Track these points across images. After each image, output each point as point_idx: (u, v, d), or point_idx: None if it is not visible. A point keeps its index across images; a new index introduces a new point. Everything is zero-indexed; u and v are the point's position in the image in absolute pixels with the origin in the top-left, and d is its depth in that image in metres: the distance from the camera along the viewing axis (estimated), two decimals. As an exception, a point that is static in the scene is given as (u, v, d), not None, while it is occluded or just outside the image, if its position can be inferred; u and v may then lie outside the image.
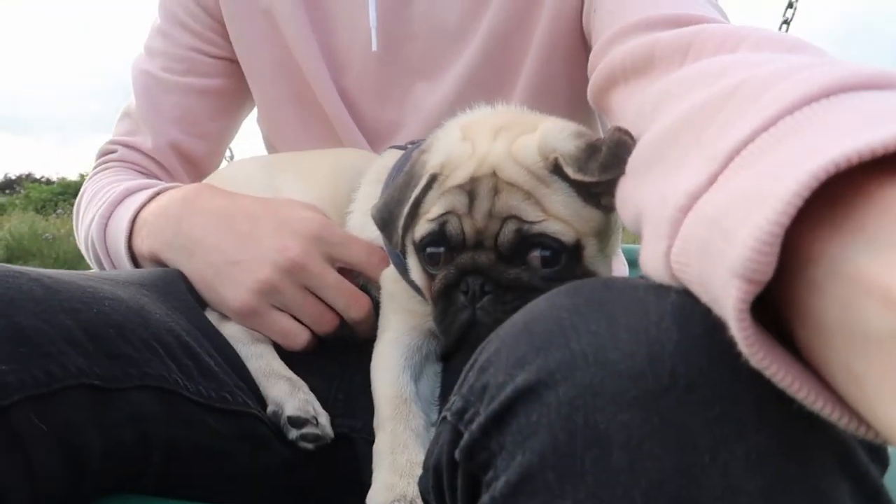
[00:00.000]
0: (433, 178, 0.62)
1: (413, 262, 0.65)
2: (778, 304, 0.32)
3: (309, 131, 0.93)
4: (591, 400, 0.34)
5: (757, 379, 0.31)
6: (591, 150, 0.57)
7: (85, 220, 0.89)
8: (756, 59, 0.42)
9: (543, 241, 0.57)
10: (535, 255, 0.58)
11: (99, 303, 0.55)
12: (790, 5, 1.61)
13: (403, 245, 0.65)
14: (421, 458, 0.57)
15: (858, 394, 0.28)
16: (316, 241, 0.70)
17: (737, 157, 0.32)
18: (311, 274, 0.69)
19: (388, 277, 0.71)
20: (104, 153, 0.99)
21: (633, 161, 0.49)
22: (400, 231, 0.62)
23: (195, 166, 1.00)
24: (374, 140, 0.91)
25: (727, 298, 0.29)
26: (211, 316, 0.72)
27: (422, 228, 0.61)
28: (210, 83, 0.98)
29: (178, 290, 0.70)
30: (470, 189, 0.59)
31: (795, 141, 0.30)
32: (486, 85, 0.86)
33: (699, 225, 0.33)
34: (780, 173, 0.28)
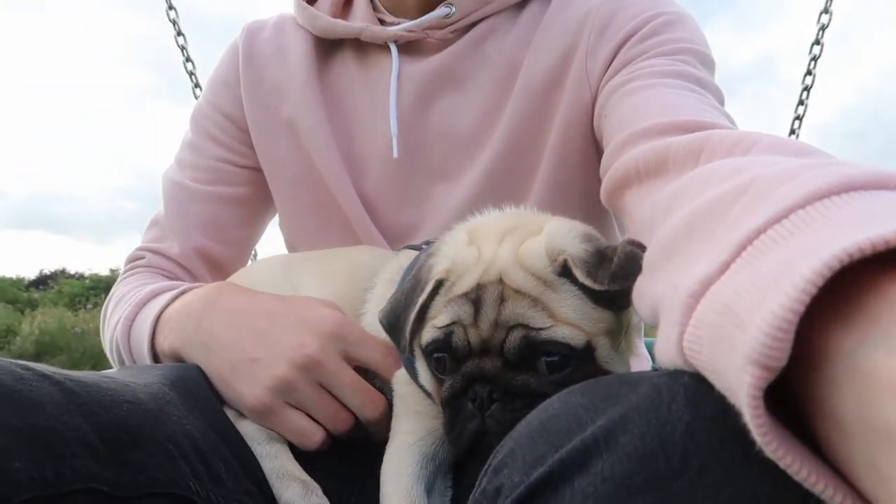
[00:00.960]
0: (439, 284, 0.62)
1: (422, 367, 0.65)
2: (794, 398, 0.31)
3: (329, 234, 0.97)
4: (601, 486, 0.33)
5: (770, 461, 0.31)
6: (601, 256, 0.57)
7: (111, 323, 0.92)
8: (767, 160, 0.43)
9: (551, 347, 0.56)
10: (543, 361, 0.57)
11: (118, 406, 0.55)
12: (801, 102, 1.66)
13: (411, 349, 0.65)
14: None
15: (884, 493, 0.27)
16: (333, 339, 0.70)
17: (749, 247, 0.33)
18: (327, 371, 0.69)
19: (400, 380, 0.71)
20: (132, 259, 1.03)
21: (649, 256, 0.49)
22: (407, 336, 0.62)
23: (221, 271, 1.04)
24: (393, 240, 0.93)
25: (741, 385, 0.29)
26: (229, 412, 0.72)
27: (428, 335, 0.61)
28: (237, 192, 1.03)
29: (199, 386, 0.71)
30: (475, 297, 0.59)
31: (808, 233, 0.31)
32: (502, 186, 0.89)
33: (711, 311, 0.33)
34: (793, 262, 0.29)
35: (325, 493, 0.67)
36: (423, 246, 0.78)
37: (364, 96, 0.97)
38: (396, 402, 0.71)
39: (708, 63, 0.84)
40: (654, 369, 0.82)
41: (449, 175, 0.92)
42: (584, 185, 0.87)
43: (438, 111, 0.92)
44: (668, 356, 0.38)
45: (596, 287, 0.56)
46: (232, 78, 1.03)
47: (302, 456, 0.71)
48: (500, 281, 0.58)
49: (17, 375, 0.51)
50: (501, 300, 0.58)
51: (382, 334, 0.73)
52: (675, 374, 0.37)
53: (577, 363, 0.57)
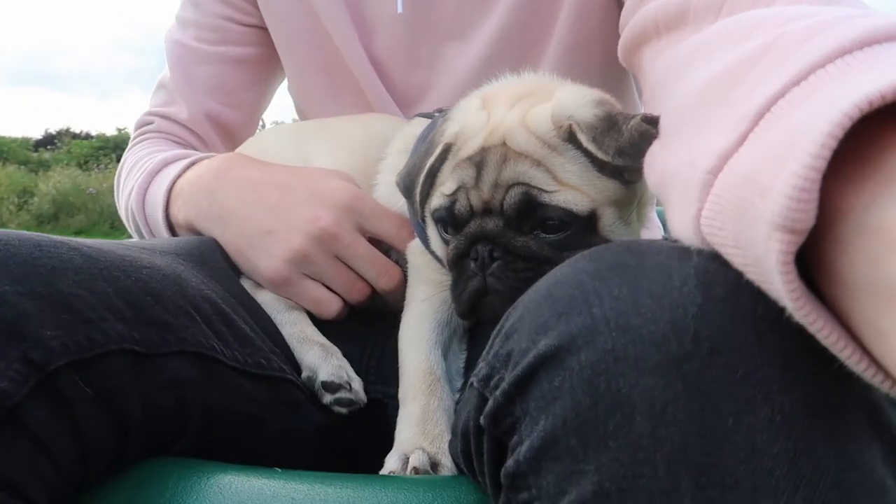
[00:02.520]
0: (447, 149, 0.61)
1: (432, 233, 0.65)
2: (807, 263, 0.31)
3: (339, 99, 0.93)
4: (613, 365, 0.34)
5: (782, 340, 0.31)
6: (611, 122, 0.55)
7: (125, 191, 0.91)
8: (790, 14, 0.40)
9: (552, 213, 0.56)
10: (545, 223, 0.57)
11: (137, 271, 0.56)
12: None
13: (423, 215, 0.65)
14: (449, 432, 0.58)
15: (884, 350, 0.27)
16: (348, 212, 0.70)
17: (767, 114, 0.31)
18: (342, 244, 0.70)
19: (414, 250, 0.72)
20: (141, 124, 1.01)
21: (663, 121, 0.47)
22: (418, 200, 0.63)
23: (231, 135, 1.01)
24: (405, 105, 0.90)
25: (769, 253, 0.28)
26: (245, 284, 0.74)
27: (436, 201, 0.61)
28: (243, 52, 0.98)
29: (214, 258, 0.71)
30: (479, 160, 0.58)
31: (828, 91, 0.29)
32: (517, 46, 0.84)
33: (731, 185, 0.32)
34: (812, 118, 0.27)
35: (345, 357, 0.70)
36: (436, 114, 0.75)
37: None
38: (411, 271, 0.71)
39: None
40: (665, 238, 0.82)
41: (460, 33, 0.87)
42: (603, 44, 0.81)
43: None
44: (684, 234, 0.37)
45: (599, 155, 0.54)
46: None
47: (320, 323, 0.73)
48: (504, 144, 0.58)
49: (33, 242, 0.51)
50: (504, 161, 0.57)
51: (395, 205, 0.73)
52: (685, 254, 0.37)
53: (578, 229, 0.56)
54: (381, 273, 0.71)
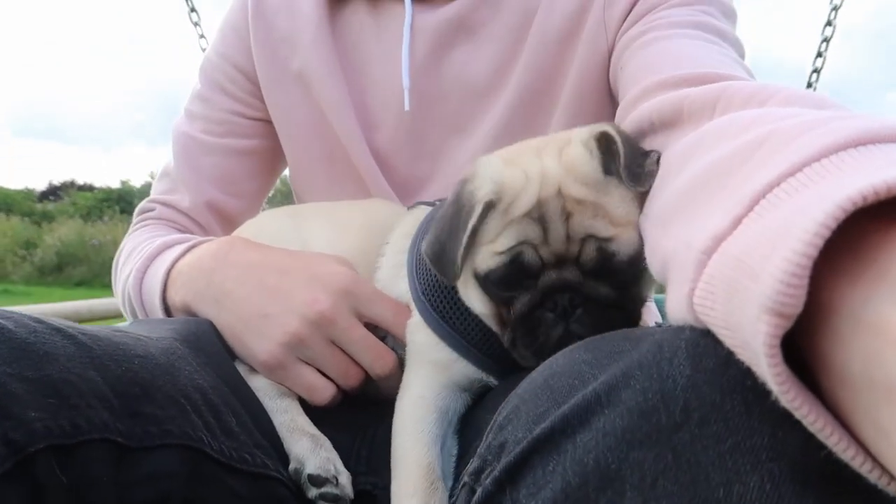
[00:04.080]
0: (489, 206, 0.60)
1: (475, 293, 0.64)
2: (803, 354, 0.31)
3: (341, 188, 0.95)
4: (602, 440, 0.34)
5: (771, 411, 0.31)
6: (633, 142, 0.60)
7: (122, 275, 0.92)
8: (784, 113, 0.41)
9: (623, 259, 0.58)
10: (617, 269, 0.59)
11: (129, 360, 0.56)
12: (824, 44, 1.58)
13: (456, 277, 0.64)
14: None
15: (884, 446, 0.27)
16: (345, 296, 0.70)
17: (762, 201, 0.32)
18: (338, 328, 0.70)
19: (415, 327, 0.70)
20: (143, 211, 1.02)
21: (661, 209, 0.48)
22: (459, 262, 0.61)
23: (231, 223, 1.03)
24: (405, 194, 0.92)
25: (757, 335, 0.28)
26: (240, 368, 0.73)
27: (489, 261, 0.61)
28: (248, 144, 1.01)
29: (210, 341, 0.71)
30: (539, 215, 0.59)
31: (821, 184, 0.30)
32: (517, 138, 0.86)
33: (724, 266, 0.33)
34: (806, 209, 0.28)
35: (335, 445, 0.69)
36: (437, 203, 0.77)
37: (376, 47, 0.92)
38: (410, 351, 0.70)
39: (729, 14, 0.80)
40: (658, 325, 0.83)
41: (463, 127, 0.89)
42: None
43: (452, 62, 0.89)
44: (679, 314, 0.38)
45: (628, 162, 0.58)
46: (242, 26, 0.98)
47: (311, 410, 0.72)
48: (560, 193, 0.59)
49: (30, 328, 0.52)
50: (566, 214, 0.58)
51: (396, 288, 0.73)
52: (678, 330, 0.37)
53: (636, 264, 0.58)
54: (375, 358, 0.71)
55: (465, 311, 0.66)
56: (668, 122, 0.58)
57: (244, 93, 0.99)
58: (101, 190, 16.47)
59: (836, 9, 1.59)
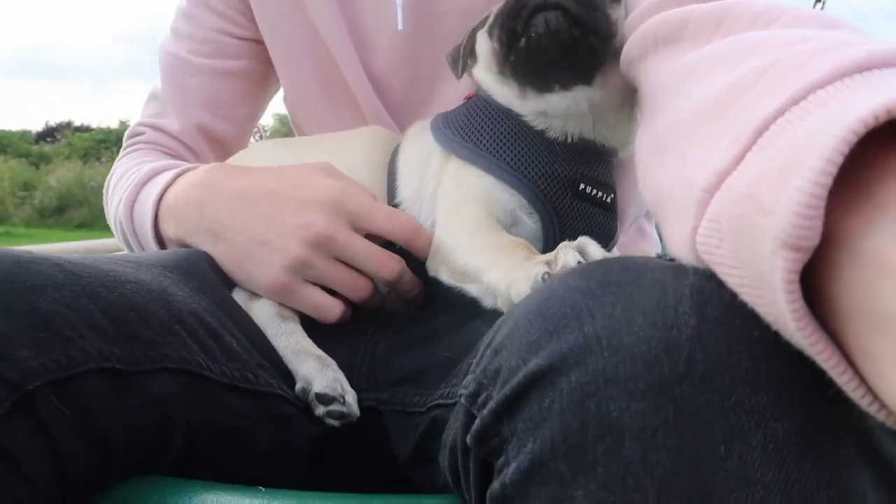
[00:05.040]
0: None
1: (484, 44, 0.73)
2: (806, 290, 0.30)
3: (336, 112, 0.92)
4: (603, 386, 0.33)
5: (776, 366, 0.31)
6: None
7: (113, 202, 0.90)
8: (788, 37, 0.39)
9: None
10: None
11: (120, 286, 0.55)
12: None
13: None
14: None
15: (877, 377, 0.27)
16: (339, 211, 0.70)
17: (766, 133, 0.31)
18: (338, 245, 0.69)
19: (439, 162, 0.74)
20: (132, 135, 0.99)
21: (658, 139, 0.47)
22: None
23: (223, 147, 1.00)
24: (402, 118, 0.89)
25: (774, 272, 0.28)
26: (238, 296, 0.73)
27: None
28: (237, 65, 0.97)
29: (202, 270, 0.70)
30: None
31: (829, 110, 0.29)
32: None
33: (730, 202, 0.32)
34: (815, 134, 0.27)
35: (336, 361, 0.68)
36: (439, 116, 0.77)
37: None
38: (446, 199, 0.71)
39: None
40: (660, 256, 0.81)
41: None
42: None
43: None
44: (679, 252, 0.37)
45: None
46: None
47: (309, 328, 0.71)
48: None
49: (13, 258, 0.50)
50: None
51: (424, 201, 0.75)
52: (680, 272, 0.36)
53: None
54: (381, 265, 0.70)
55: (492, 135, 0.71)
56: (671, 38, 0.56)
57: (231, 10, 0.95)
58: (98, 130, 16.24)
59: None
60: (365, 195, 0.72)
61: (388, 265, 0.70)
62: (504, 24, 0.67)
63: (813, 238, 0.27)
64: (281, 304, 0.71)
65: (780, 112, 0.31)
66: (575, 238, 0.69)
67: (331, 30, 0.87)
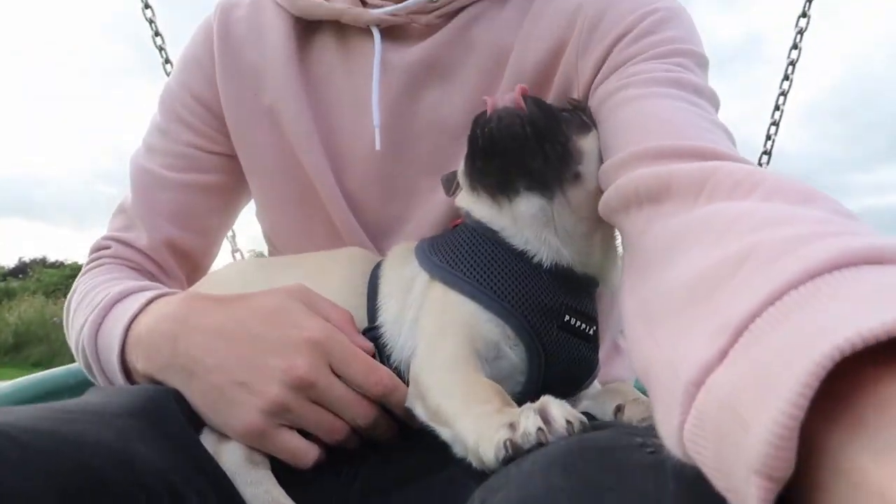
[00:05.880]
0: None
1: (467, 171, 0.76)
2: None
3: (311, 229, 0.92)
4: None
5: None
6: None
7: (76, 323, 0.86)
8: (767, 216, 0.43)
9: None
10: None
11: (79, 451, 0.52)
12: (786, 77, 1.63)
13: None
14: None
15: None
16: (321, 354, 0.68)
17: (745, 332, 0.33)
18: (319, 389, 0.67)
19: (422, 288, 0.73)
20: (97, 248, 0.97)
21: (647, 306, 0.49)
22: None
23: (191, 261, 0.99)
24: (378, 235, 0.90)
25: (748, 497, 0.28)
26: (207, 438, 0.68)
27: None
28: (209, 179, 0.97)
29: (170, 414, 0.66)
30: None
31: (801, 317, 0.31)
32: None
33: (713, 406, 0.33)
34: (789, 357, 0.28)
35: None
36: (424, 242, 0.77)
37: (345, 84, 0.91)
38: (429, 330, 0.70)
39: (703, 64, 0.81)
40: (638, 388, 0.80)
41: (438, 168, 0.87)
42: None
43: (424, 103, 0.87)
44: (668, 440, 0.38)
45: None
46: (205, 58, 0.95)
47: (284, 475, 0.68)
48: None
49: None
50: None
51: (404, 320, 0.73)
52: (660, 479, 0.37)
53: (578, 119, 0.75)
54: (358, 413, 0.68)
55: (478, 261, 0.71)
56: (654, 197, 0.58)
57: (206, 125, 0.96)
58: (69, 266, 16.11)
59: (784, 94, 1.64)
60: (347, 341, 0.70)
61: (366, 413, 0.68)
62: (469, 138, 0.71)
63: (786, 469, 0.27)
64: (252, 448, 0.68)
65: (759, 311, 0.33)
66: (559, 371, 0.67)
67: (306, 145, 0.87)
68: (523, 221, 0.70)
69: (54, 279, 14.49)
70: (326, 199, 0.88)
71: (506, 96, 0.69)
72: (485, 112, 0.69)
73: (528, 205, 0.69)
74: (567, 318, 0.69)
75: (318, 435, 0.68)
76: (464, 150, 0.85)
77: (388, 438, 0.71)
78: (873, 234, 0.37)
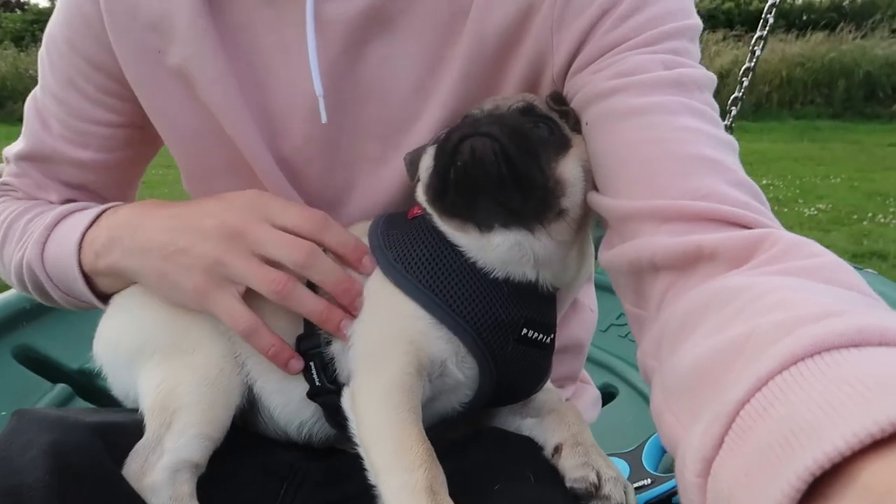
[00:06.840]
0: None
1: (426, 172, 0.70)
2: None
3: None
4: None
5: None
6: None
7: (7, 248, 0.86)
8: (769, 302, 0.45)
9: (544, 118, 0.68)
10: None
11: None
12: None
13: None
14: None
15: None
16: (252, 208, 0.72)
17: (737, 419, 0.36)
18: (250, 237, 0.70)
19: (374, 284, 0.71)
20: (3, 184, 0.92)
21: (666, 380, 0.51)
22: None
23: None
24: (321, 209, 0.78)
25: None
26: (130, 470, 0.68)
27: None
28: (116, 157, 0.89)
29: (90, 464, 0.64)
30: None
31: (783, 409, 0.34)
32: None
33: (718, 499, 0.37)
34: (774, 464, 0.32)
35: None
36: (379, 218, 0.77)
37: (271, 34, 0.78)
38: (369, 317, 0.69)
39: (696, 34, 0.73)
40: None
41: (386, 133, 0.79)
42: None
43: (368, 60, 0.77)
44: None
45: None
46: (92, 13, 0.78)
47: (227, 496, 0.71)
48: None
49: None
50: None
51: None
52: None
53: (557, 139, 0.68)
54: (292, 251, 0.69)
55: (436, 269, 0.68)
56: (677, 267, 0.58)
57: (105, 94, 0.83)
58: (29, 10, 15.14)
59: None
60: (281, 199, 0.74)
61: (301, 251, 0.69)
62: (436, 160, 0.66)
63: None
64: (174, 483, 0.66)
65: (747, 399, 0.36)
66: (510, 382, 0.70)
67: (229, 111, 0.77)
68: (496, 254, 0.66)
69: (17, 25, 13.84)
70: (260, 169, 0.79)
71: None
72: (454, 130, 0.65)
73: (503, 240, 0.66)
74: (525, 331, 0.68)
75: (260, 290, 0.69)
76: (417, 118, 0.79)
77: (333, 283, 0.70)
78: (874, 313, 0.38)
